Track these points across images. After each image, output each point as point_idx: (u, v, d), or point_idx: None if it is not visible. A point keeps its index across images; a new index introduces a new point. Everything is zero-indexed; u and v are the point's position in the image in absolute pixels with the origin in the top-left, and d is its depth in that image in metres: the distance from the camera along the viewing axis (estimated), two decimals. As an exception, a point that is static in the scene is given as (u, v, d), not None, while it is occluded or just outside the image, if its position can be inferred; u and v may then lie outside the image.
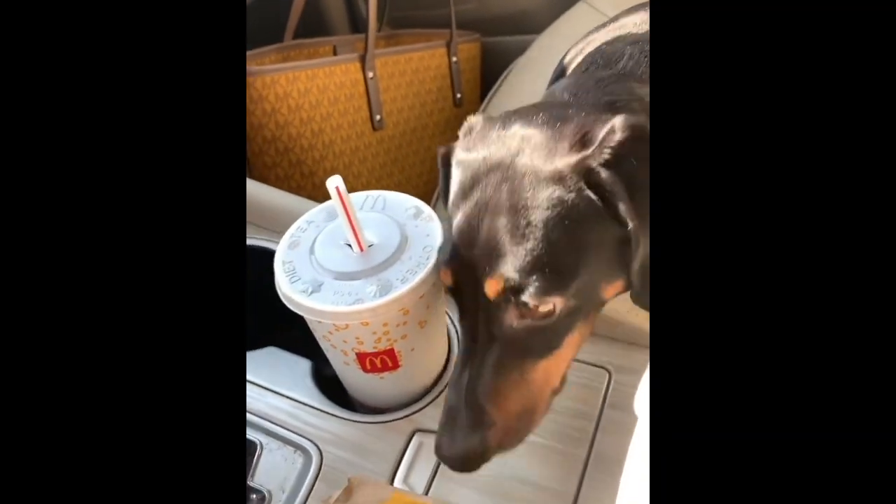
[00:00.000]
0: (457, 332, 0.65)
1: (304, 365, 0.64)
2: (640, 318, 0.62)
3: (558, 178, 0.46)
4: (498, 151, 0.49)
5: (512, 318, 0.47)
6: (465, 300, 0.49)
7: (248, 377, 0.63)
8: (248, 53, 1.09)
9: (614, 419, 0.56)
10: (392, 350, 0.53)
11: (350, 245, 0.53)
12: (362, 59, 1.13)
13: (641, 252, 0.46)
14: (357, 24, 1.63)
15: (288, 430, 0.58)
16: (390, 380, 0.56)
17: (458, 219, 0.49)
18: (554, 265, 0.45)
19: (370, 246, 0.53)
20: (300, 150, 1.04)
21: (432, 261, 0.51)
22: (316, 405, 0.60)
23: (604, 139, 0.46)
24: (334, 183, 0.48)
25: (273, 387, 0.62)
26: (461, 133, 0.55)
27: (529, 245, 0.45)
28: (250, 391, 0.62)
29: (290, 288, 0.51)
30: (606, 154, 0.45)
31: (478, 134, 0.52)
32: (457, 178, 0.51)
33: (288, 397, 0.61)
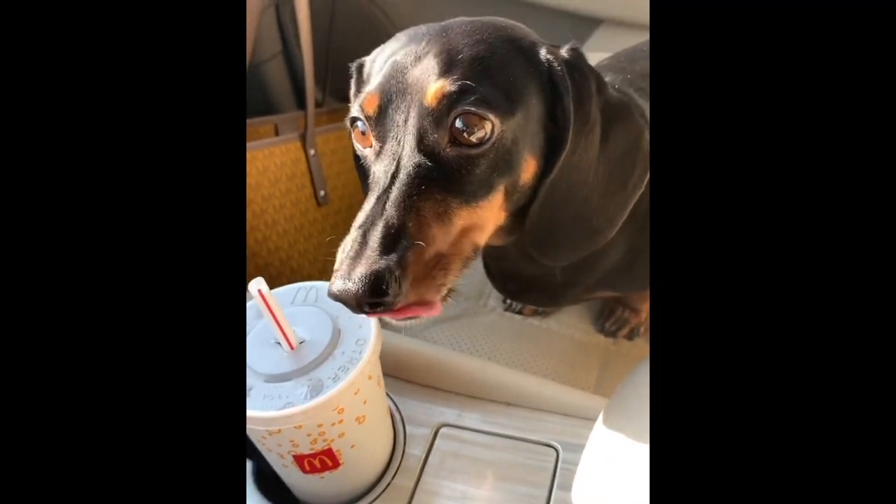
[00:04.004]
0: (401, 417, 0.64)
1: (246, 466, 0.62)
2: (588, 395, 0.62)
3: (518, 45, 0.50)
4: (432, 28, 0.52)
5: (444, 141, 0.47)
6: (387, 128, 0.48)
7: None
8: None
9: (564, 502, 0.55)
10: (330, 450, 0.51)
11: (280, 343, 0.51)
12: (303, 138, 1.14)
13: (556, 172, 0.50)
14: (302, 99, 1.65)
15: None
16: (332, 479, 0.54)
17: (389, 62, 0.50)
18: (495, 80, 0.47)
19: (301, 343, 0.52)
20: (242, 233, 1.03)
21: (366, 355, 0.50)
22: (258, 510, 0.58)
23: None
24: (256, 286, 0.47)
25: (212, 493, 0.59)
26: None
27: (475, 62, 0.47)
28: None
29: (218, 394, 0.49)
30: (564, 54, 0.50)
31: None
32: (383, 54, 0.53)
33: (228, 504, 0.58)
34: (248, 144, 1.05)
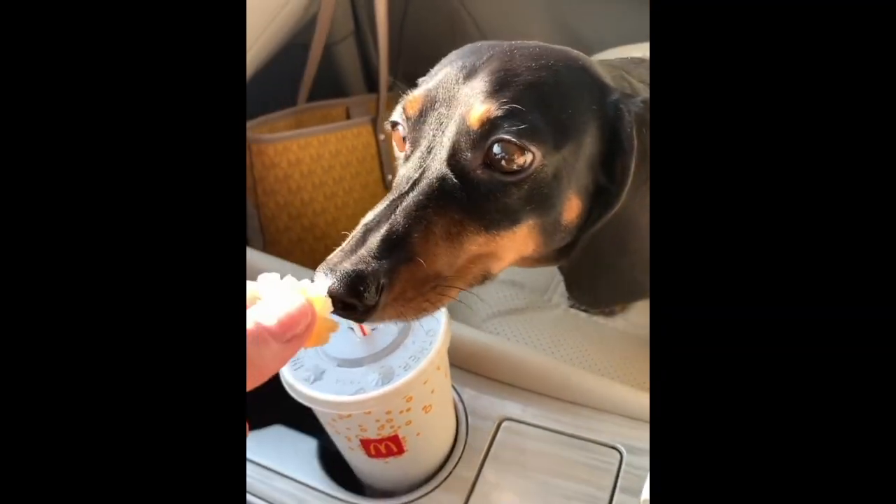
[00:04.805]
0: (464, 408, 0.64)
1: (310, 444, 0.64)
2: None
3: (588, 80, 0.48)
4: (499, 44, 0.50)
5: (477, 162, 0.45)
6: (423, 133, 0.47)
7: (254, 458, 0.62)
8: (263, 119, 1.12)
9: (627, 505, 0.54)
10: (396, 436, 0.52)
11: (353, 329, 0.52)
12: (374, 122, 1.15)
13: (600, 226, 0.48)
14: (373, 82, 1.67)
15: (293, 515, 0.57)
16: (395, 464, 0.55)
17: (443, 71, 0.49)
18: (549, 110, 0.45)
19: (373, 329, 0.52)
20: (312, 214, 1.05)
21: (435, 346, 0.51)
22: (322, 489, 0.59)
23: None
24: None
25: (279, 468, 0.61)
26: None
27: (531, 87, 0.45)
28: (255, 473, 0.61)
29: (292, 375, 0.50)
30: (636, 106, 0.47)
31: None
32: (440, 63, 0.51)
33: (294, 480, 0.60)
34: (323, 127, 1.07)
